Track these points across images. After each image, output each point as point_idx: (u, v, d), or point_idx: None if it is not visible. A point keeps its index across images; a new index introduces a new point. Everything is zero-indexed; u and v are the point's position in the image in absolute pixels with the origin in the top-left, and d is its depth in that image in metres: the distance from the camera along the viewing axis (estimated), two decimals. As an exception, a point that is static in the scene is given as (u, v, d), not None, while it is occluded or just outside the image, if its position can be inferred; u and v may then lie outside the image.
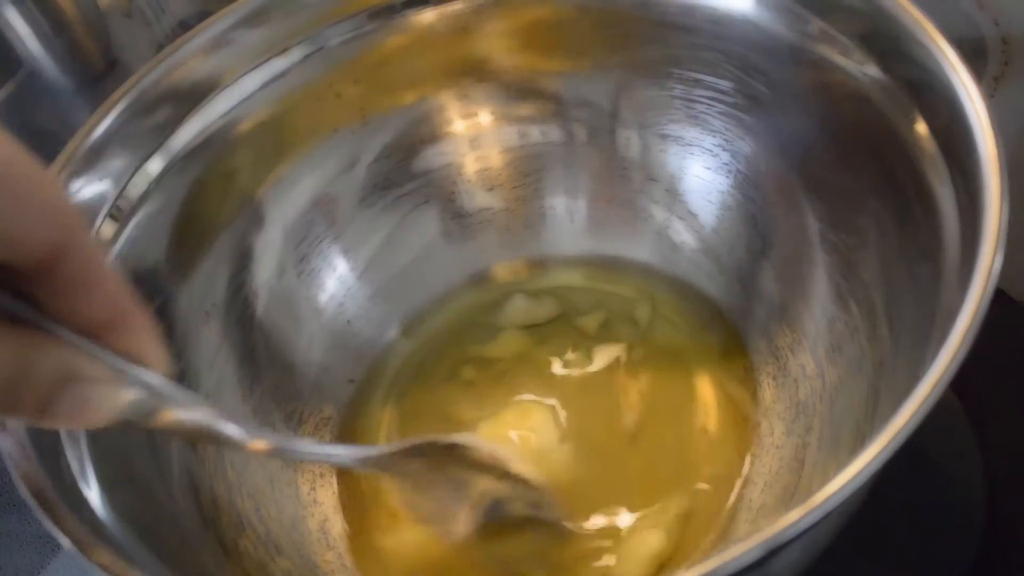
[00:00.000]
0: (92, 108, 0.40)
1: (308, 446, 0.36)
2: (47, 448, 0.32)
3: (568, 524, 0.41)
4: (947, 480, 0.42)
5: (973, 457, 0.41)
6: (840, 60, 0.38)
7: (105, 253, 0.25)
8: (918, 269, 0.35)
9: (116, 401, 0.25)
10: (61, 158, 0.39)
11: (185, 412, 0.28)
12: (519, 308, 0.49)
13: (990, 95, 0.49)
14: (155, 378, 0.26)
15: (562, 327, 0.49)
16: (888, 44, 0.36)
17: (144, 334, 0.26)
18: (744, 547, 0.25)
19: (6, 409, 0.23)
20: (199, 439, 0.30)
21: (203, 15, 0.44)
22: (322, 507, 0.44)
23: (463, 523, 0.40)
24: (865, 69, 0.37)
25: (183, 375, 0.41)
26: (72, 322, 0.24)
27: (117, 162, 0.41)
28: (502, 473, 0.40)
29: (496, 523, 0.40)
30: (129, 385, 0.25)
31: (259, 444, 0.32)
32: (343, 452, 0.38)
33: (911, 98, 0.35)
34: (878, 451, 0.26)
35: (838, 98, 0.39)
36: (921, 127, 0.35)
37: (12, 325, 0.23)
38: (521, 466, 0.40)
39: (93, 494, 0.33)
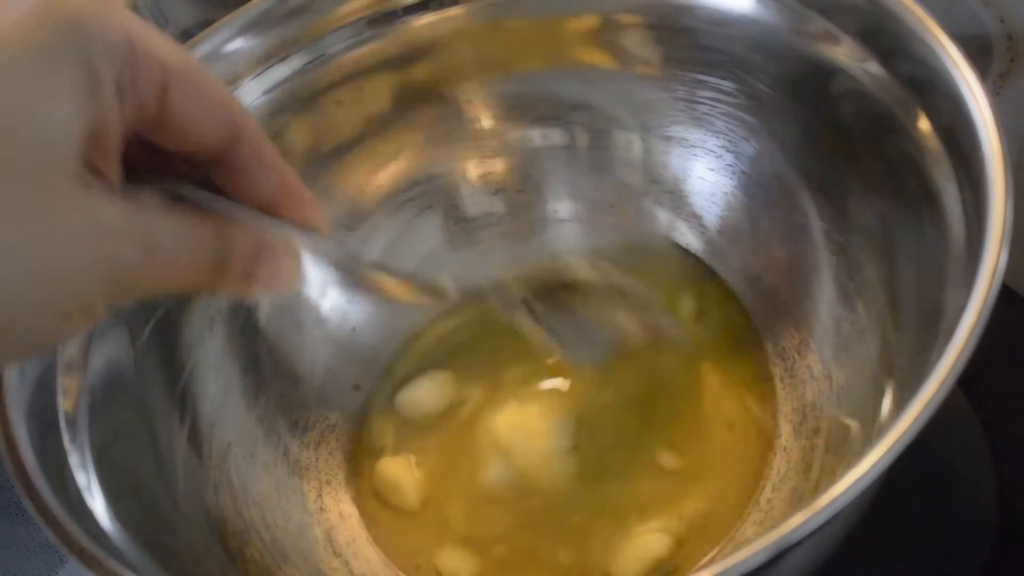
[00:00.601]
0: None
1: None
2: (52, 460, 0.33)
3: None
4: (956, 478, 0.41)
5: (982, 455, 0.41)
6: (842, 58, 0.38)
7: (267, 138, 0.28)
8: (923, 268, 0.35)
9: (300, 265, 0.28)
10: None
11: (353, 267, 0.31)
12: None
13: (995, 92, 0.49)
14: (326, 242, 0.29)
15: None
16: (890, 42, 0.36)
17: (311, 204, 0.29)
18: (752, 549, 0.25)
19: (217, 282, 0.26)
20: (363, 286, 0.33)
21: (206, 24, 0.44)
22: (328, 514, 0.44)
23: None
24: (867, 67, 0.37)
25: (189, 381, 0.41)
26: (251, 201, 0.27)
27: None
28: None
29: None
30: (308, 250, 0.29)
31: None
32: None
33: (914, 96, 0.35)
34: (885, 451, 0.26)
35: (841, 97, 0.39)
36: (925, 125, 0.35)
37: (208, 212, 0.26)
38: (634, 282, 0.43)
39: (98, 506, 0.33)
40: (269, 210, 0.28)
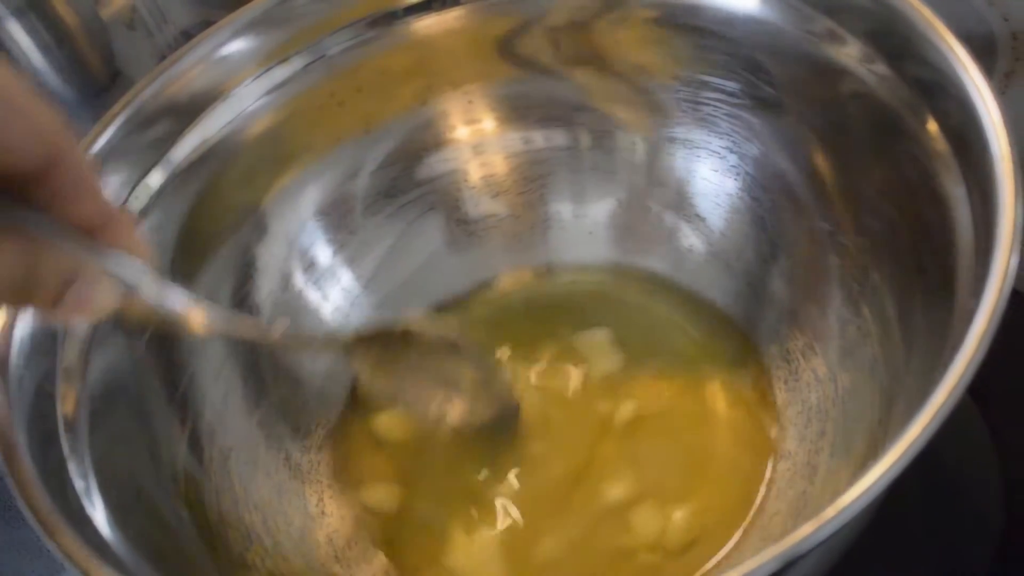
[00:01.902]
0: (95, 120, 0.40)
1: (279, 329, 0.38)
2: (51, 468, 0.32)
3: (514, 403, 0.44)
4: (963, 483, 0.41)
5: (989, 460, 0.41)
6: (849, 60, 0.38)
7: (91, 163, 0.28)
8: (931, 271, 0.34)
9: (114, 293, 0.28)
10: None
11: (167, 298, 0.31)
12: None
13: (1001, 92, 0.48)
14: (142, 269, 0.29)
15: (569, 335, 0.48)
16: (897, 43, 0.36)
17: (130, 231, 0.29)
18: (761, 559, 0.25)
19: (21, 302, 0.27)
20: (178, 327, 0.33)
21: (206, 24, 0.43)
22: (330, 519, 0.43)
23: (443, 411, 0.43)
24: (874, 68, 0.37)
25: (188, 387, 0.41)
26: (71, 222, 0.27)
27: (118, 176, 0.40)
28: (455, 348, 0.42)
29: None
30: (122, 278, 0.29)
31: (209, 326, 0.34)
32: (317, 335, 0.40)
33: (921, 97, 0.35)
34: (895, 459, 0.26)
35: (847, 98, 0.38)
36: (932, 127, 0.34)
37: (19, 233, 0.26)
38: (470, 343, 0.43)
39: (98, 513, 0.33)
40: (87, 235, 0.27)
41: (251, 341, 0.36)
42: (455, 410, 0.43)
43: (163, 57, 0.51)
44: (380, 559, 0.43)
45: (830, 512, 0.25)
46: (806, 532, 0.25)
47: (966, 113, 0.32)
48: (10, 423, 0.32)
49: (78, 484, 0.33)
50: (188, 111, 0.42)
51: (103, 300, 0.28)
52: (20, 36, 0.64)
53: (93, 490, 0.33)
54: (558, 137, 0.48)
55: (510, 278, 0.50)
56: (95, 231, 0.27)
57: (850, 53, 0.38)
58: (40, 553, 0.48)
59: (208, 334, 0.34)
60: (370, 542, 0.43)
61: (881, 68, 0.36)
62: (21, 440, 0.32)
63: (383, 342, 0.41)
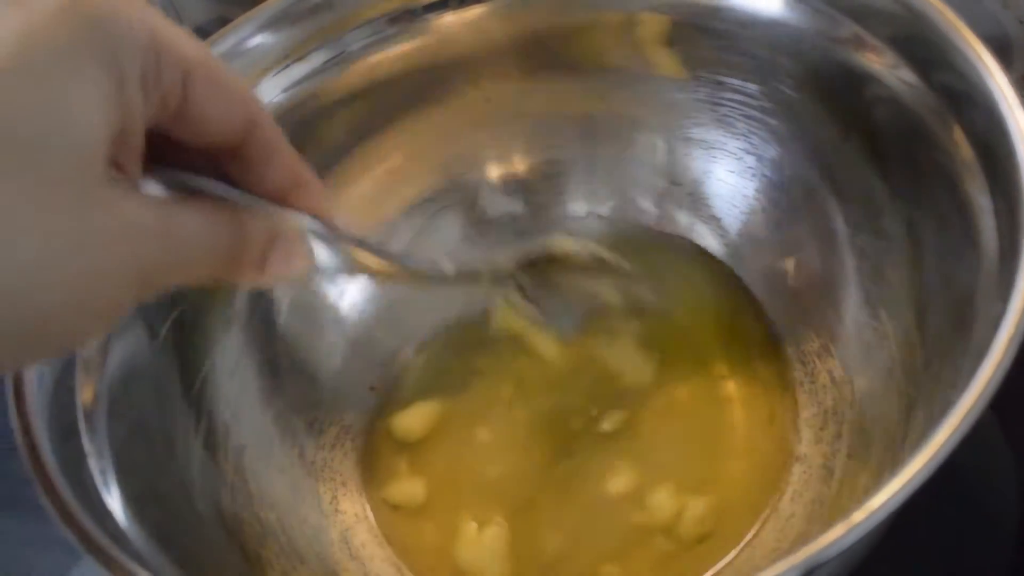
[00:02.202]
0: None
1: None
2: (70, 459, 0.32)
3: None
4: (979, 489, 0.41)
5: (1007, 470, 0.41)
6: (874, 65, 0.38)
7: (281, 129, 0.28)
8: (953, 276, 0.34)
9: (310, 252, 0.29)
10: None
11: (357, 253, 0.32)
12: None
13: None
14: (334, 227, 0.30)
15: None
16: (925, 50, 0.35)
17: (320, 193, 0.29)
18: (783, 567, 0.25)
19: (234, 271, 0.27)
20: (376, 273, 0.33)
21: (221, 21, 0.44)
22: (344, 516, 0.43)
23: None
24: (900, 74, 0.37)
25: (205, 381, 0.41)
26: (263, 190, 0.27)
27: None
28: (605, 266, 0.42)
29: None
30: (316, 237, 0.29)
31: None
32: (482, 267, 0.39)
33: (948, 105, 0.35)
34: (921, 466, 0.26)
35: (870, 103, 0.38)
36: (958, 135, 0.34)
37: (223, 202, 0.26)
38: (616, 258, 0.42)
39: (116, 505, 0.33)
40: (281, 199, 0.28)
41: (431, 282, 0.36)
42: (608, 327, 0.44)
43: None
44: (392, 557, 0.42)
45: (856, 518, 0.25)
46: (831, 538, 0.25)
47: (993, 121, 0.32)
48: (31, 415, 0.32)
49: (96, 476, 0.33)
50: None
51: (303, 259, 0.29)
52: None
53: (111, 481, 0.33)
54: (576, 136, 0.48)
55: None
56: (288, 196, 0.28)
57: (875, 58, 0.38)
58: (51, 547, 0.48)
59: (386, 279, 0.36)
60: (383, 540, 0.43)
61: (907, 74, 0.36)
62: (42, 432, 0.32)
63: (535, 268, 0.41)
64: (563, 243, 0.41)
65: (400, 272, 0.34)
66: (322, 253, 0.30)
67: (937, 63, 0.35)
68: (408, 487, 0.44)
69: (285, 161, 0.28)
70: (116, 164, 0.23)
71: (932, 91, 0.35)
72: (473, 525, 0.42)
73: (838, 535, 0.25)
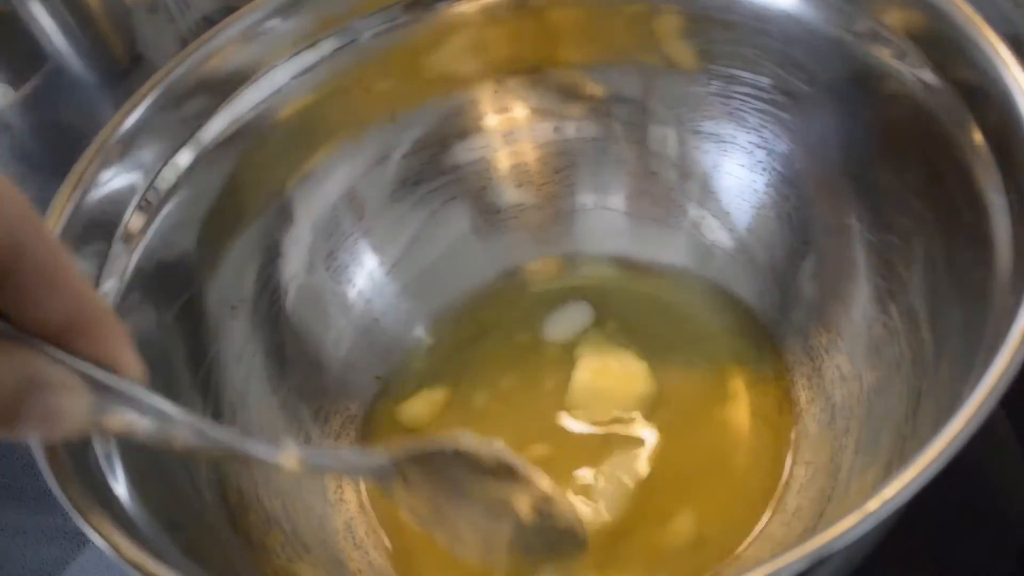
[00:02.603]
0: (116, 103, 0.40)
1: (262, 448, 0.32)
2: (76, 443, 0.32)
3: (580, 532, 0.38)
4: (990, 490, 0.41)
5: (1017, 467, 0.40)
6: (889, 60, 0.37)
7: (66, 251, 0.24)
8: (965, 273, 0.34)
9: (85, 408, 0.24)
10: (91, 149, 0.39)
11: (151, 417, 0.26)
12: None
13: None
14: (125, 383, 0.25)
15: (594, 327, 0.48)
16: (942, 45, 0.35)
17: (113, 338, 0.25)
18: (791, 557, 0.25)
19: None
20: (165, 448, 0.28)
21: (227, 11, 0.43)
22: (348, 506, 0.43)
23: (489, 546, 0.38)
24: (916, 70, 0.36)
25: (213, 364, 0.41)
26: (34, 326, 0.23)
27: (147, 154, 0.40)
28: (511, 476, 0.37)
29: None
30: (97, 391, 0.24)
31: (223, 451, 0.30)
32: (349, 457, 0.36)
33: (965, 102, 0.34)
34: (933, 458, 0.25)
35: (885, 98, 0.38)
36: (973, 129, 0.34)
37: None
38: (529, 469, 0.37)
39: (121, 489, 0.32)
40: (58, 339, 0.23)
41: (260, 463, 0.32)
42: (506, 542, 0.38)
43: (185, 42, 0.51)
44: (395, 547, 0.42)
45: (867, 508, 0.25)
46: (839, 531, 0.25)
47: (1009, 116, 0.32)
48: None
49: (102, 462, 0.33)
50: (218, 91, 0.42)
51: (72, 413, 0.24)
52: (43, 18, 0.64)
53: (117, 467, 0.33)
54: (589, 127, 0.48)
55: (534, 267, 0.50)
56: (69, 334, 0.24)
57: (891, 54, 0.37)
58: (53, 537, 0.48)
59: (194, 457, 0.31)
60: (387, 530, 0.43)
61: (923, 70, 0.36)
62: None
63: (428, 463, 0.36)
64: (468, 441, 0.36)
65: (230, 451, 0.29)
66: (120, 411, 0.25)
67: (954, 58, 0.35)
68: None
69: (65, 295, 0.23)
70: None
71: (948, 86, 0.35)
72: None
73: (850, 524, 0.25)
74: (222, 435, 0.29)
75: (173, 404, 0.27)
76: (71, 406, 0.24)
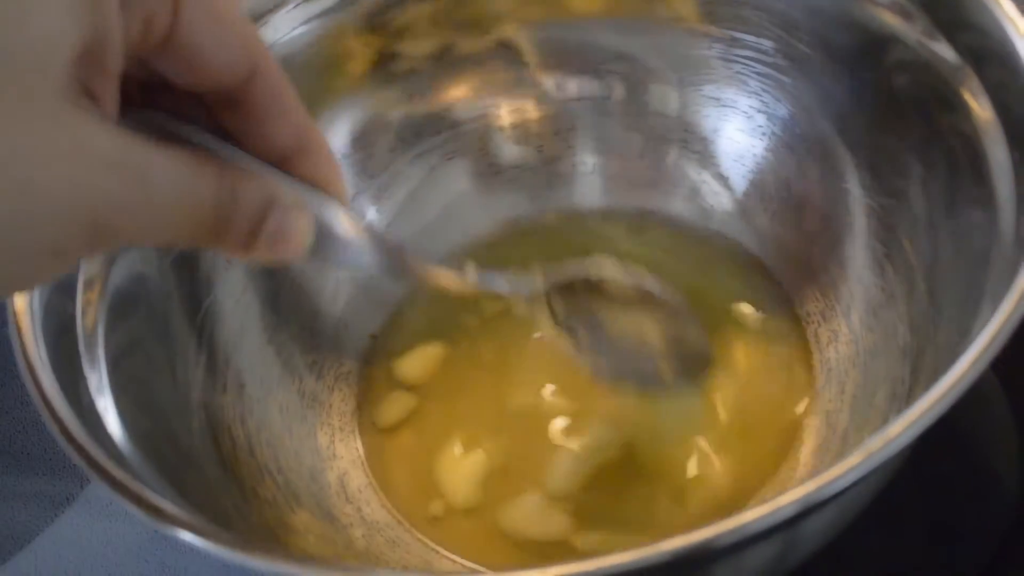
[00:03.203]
0: None
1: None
2: (70, 384, 0.32)
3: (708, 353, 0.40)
4: (982, 455, 0.41)
5: (1008, 432, 0.41)
6: (892, 20, 0.37)
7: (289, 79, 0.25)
8: (966, 234, 0.34)
9: (312, 230, 0.25)
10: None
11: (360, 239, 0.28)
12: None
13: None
14: (344, 207, 0.27)
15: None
16: (946, 5, 0.35)
17: (328, 160, 0.26)
18: (780, 502, 0.25)
19: (217, 239, 0.23)
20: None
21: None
22: (341, 461, 0.43)
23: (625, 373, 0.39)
24: (919, 30, 0.36)
25: (209, 309, 0.41)
26: (263, 150, 0.24)
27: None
28: (651, 299, 0.38)
29: None
30: (318, 212, 0.25)
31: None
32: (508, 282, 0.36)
33: (970, 65, 0.34)
34: (927, 408, 0.25)
35: (888, 60, 0.38)
36: (978, 91, 0.34)
37: (213, 157, 0.23)
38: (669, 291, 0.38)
39: (117, 431, 0.32)
40: (283, 164, 0.25)
41: (444, 290, 0.33)
42: (647, 367, 0.39)
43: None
44: (387, 502, 0.42)
45: (854, 459, 0.25)
46: (829, 477, 0.25)
47: (1016, 77, 0.32)
48: (29, 335, 0.32)
49: (98, 403, 0.32)
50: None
51: (300, 241, 0.25)
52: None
53: (111, 409, 0.33)
54: (592, 85, 0.48)
55: (535, 223, 0.50)
56: (292, 160, 0.25)
57: (895, 14, 0.37)
58: (29, 502, 0.47)
59: (402, 281, 0.32)
60: (377, 485, 0.43)
61: (927, 30, 0.36)
62: (41, 352, 0.31)
63: (574, 291, 0.37)
64: (607, 267, 0.37)
65: (416, 274, 0.31)
66: (326, 237, 0.26)
67: (959, 18, 0.35)
68: (404, 428, 0.44)
69: (292, 119, 0.25)
70: (88, 89, 0.20)
71: (952, 46, 0.35)
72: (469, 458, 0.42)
73: (834, 475, 0.25)
74: (408, 260, 0.31)
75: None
76: (303, 227, 0.25)
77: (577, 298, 0.37)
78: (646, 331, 0.39)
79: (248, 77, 0.23)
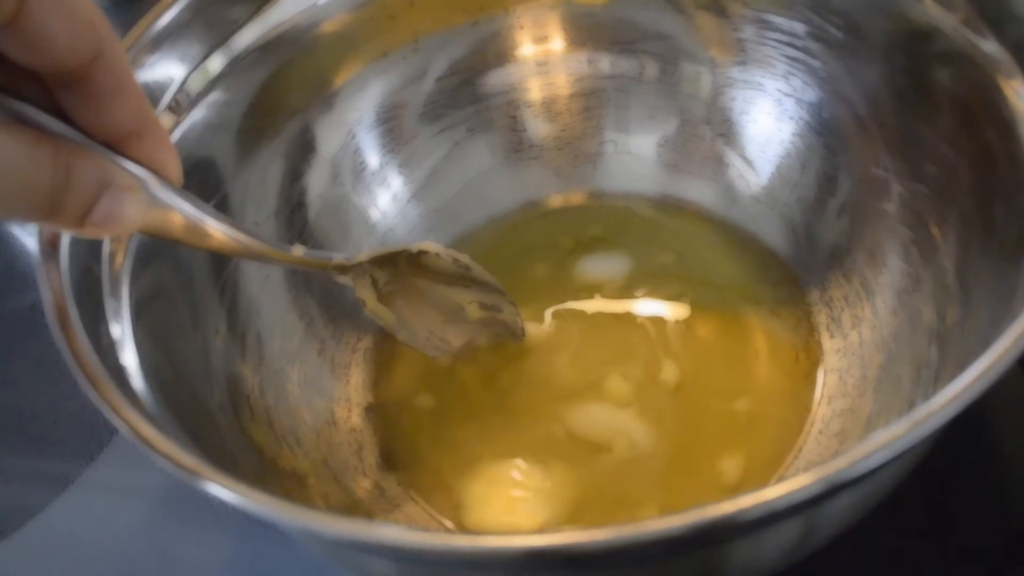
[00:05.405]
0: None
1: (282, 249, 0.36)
2: (102, 343, 0.32)
3: (519, 329, 0.43)
4: (1005, 453, 0.41)
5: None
6: (934, 11, 0.37)
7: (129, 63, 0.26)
8: (997, 222, 0.34)
9: (143, 209, 0.27)
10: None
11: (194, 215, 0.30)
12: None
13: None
14: (169, 186, 0.28)
15: (615, 267, 0.47)
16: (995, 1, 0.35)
17: (164, 144, 0.27)
18: (804, 480, 0.24)
19: (50, 217, 0.24)
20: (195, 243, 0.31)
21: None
22: (358, 435, 0.43)
23: (454, 339, 0.44)
24: (959, 18, 0.36)
25: (233, 273, 0.41)
26: (100, 132, 0.25)
27: (178, 55, 0.40)
28: (467, 278, 0.42)
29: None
30: (152, 193, 0.27)
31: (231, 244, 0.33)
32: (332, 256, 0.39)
33: (1013, 56, 0.34)
34: (960, 391, 0.25)
35: (924, 47, 0.38)
36: (1018, 82, 0.33)
37: (50, 136, 0.24)
38: (482, 270, 0.41)
39: (141, 387, 0.32)
40: (119, 146, 0.26)
41: (271, 261, 0.36)
42: (458, 338, 0.44)
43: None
44: (404, 477, 0.42)
45: (878, 441, 0.24)
46: (853, 457, 0.24)
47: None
48: (61, 290, 0.32)
49: (122, 352, 0.32)
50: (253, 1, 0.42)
51: (132, 217, 0.26)
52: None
53: (136, 365, 0.32)
54: (624, 63, 0.48)
55: (559, 201, 0.50)
56: (129, 138, 0.26)
57: (935, 2, 0.37)
58: (28, 480, 0.46)
59: (230, 253, 0.33)
60: (396, 459, 0.43)
61: (967, 19, 0.36)
62: (71, 303, 0.31)
63: (394, 266, 0.40)
64: (427, 246, 0.40)
65: (242, 248, 0.33)
66: (157, 213, 0.28)
67: (1001, 8, 0.34)
68: (420, 404, 0.44)
69: (132, 102, 0.25)
70: None
71: (993, 37, 0.35)
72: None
73: (855, 458, 0.24)
74: (243, 236, 0.33)
75: (208, 205, 0.31)
76: (134, 206, 0.26)
77: (399, 270, 0.40)
78: (461, 301, 0.43)
79: (90, 60, 0.24)
